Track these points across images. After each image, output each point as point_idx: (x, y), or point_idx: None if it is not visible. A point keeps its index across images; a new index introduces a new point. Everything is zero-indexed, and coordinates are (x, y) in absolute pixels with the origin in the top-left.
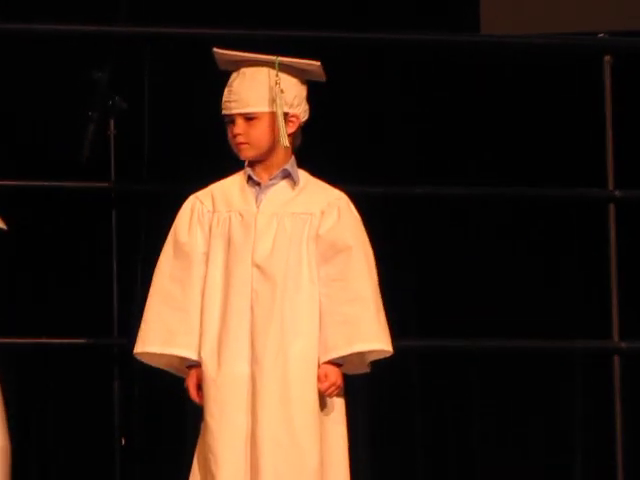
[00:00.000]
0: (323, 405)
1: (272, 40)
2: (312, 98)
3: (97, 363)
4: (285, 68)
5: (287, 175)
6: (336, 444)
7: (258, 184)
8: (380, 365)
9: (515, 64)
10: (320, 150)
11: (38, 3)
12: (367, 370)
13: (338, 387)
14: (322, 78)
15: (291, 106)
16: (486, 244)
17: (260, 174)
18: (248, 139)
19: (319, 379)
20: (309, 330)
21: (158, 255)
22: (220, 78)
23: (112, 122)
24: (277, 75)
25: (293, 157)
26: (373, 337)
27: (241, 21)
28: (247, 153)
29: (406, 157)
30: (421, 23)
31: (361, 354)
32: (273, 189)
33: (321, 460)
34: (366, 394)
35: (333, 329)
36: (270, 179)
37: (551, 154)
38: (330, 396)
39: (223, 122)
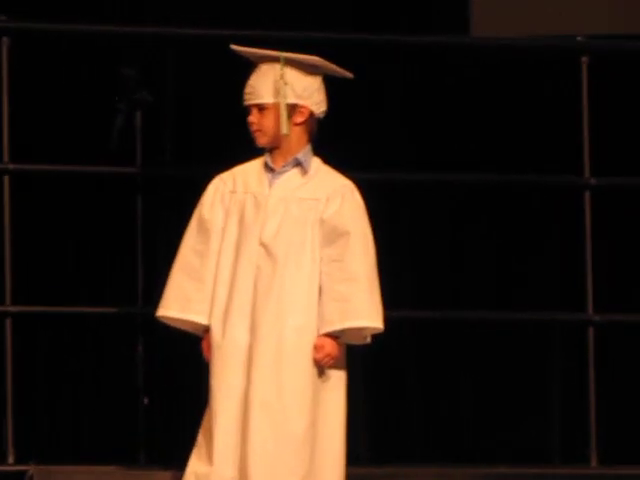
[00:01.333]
0: (321, 373)
1: (282, 40)
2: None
3: (123, 330)
4: (292, 63)
5: (298, 163)
6: (333, 409)
7: (272, 170)
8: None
9: (502, 63)
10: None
11: (77, 5)
12: (367, 341)
13: (333, 357)
14: (342, 75)
15: (299, 97)
16: (474, 226)
17: (276, 161)
18: (260, 127)
19: (315, 349)
20: (307, 304)
21: (177, 235)
22: (236, 74)
23: (139, 114)
24: (281, 69)
25: (308, 146)
26: (365, 315)
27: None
28: (260, 140)
29: (405, 149)
30: (412, 24)
31: (356, 328)
32: (285, 175)
33: (309, 425)
34: (364, 359)
35: (329, 305)
36: (283, 166)
37: (533, 145)
38: (325, 365)
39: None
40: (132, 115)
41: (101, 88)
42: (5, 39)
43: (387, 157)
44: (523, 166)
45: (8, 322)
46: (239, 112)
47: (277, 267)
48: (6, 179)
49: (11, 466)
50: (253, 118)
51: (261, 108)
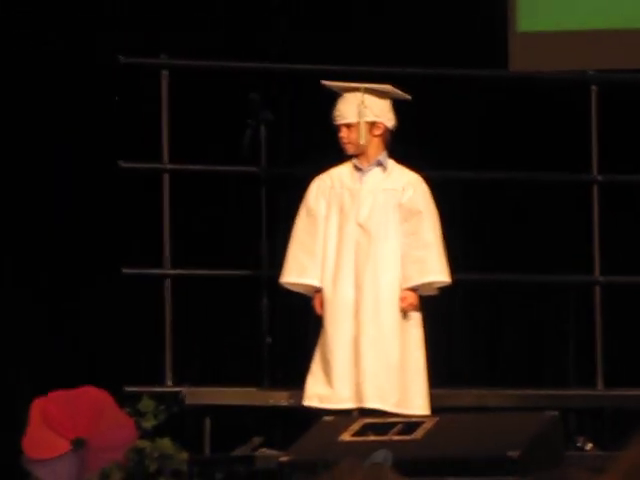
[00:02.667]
0: (406, 317)
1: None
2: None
3: (249, 287)
4: (369, 91)
5: (380, 164)
6: (415, 343)
7: (360, 170)
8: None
9: (532, 91)
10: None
11: (220, 45)
12: (436, 292)
13: (414, 305)
14: (404, 98)
15: (377, 116)
16: (503, 215)
17: (362, 163)
18: (349, 140)
19: (401, 300)
20: (394, 267)
21: (292, 219)
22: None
23: (263, 128)
24: (362, 96)
25: (385, 151)
26: (437, 272)
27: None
28: (349, 149)
29: (452, 150)
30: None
31: (429, 283)
32: (370, 173)
33: (402, 353)
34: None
35: (409, 266)
36: (368, 166)
37: (553, 149)
38: (408, 311)
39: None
40: (258, 129)
41: (234, 109)
42: (165, 72)
43: (437, 158)
44: (546, 167)
45: (168, 282)
46: (334, 129)
47: (371, 240)
48: (166, 176)
49: (169, 387)
50: (343, 134)
51: (348, 126)
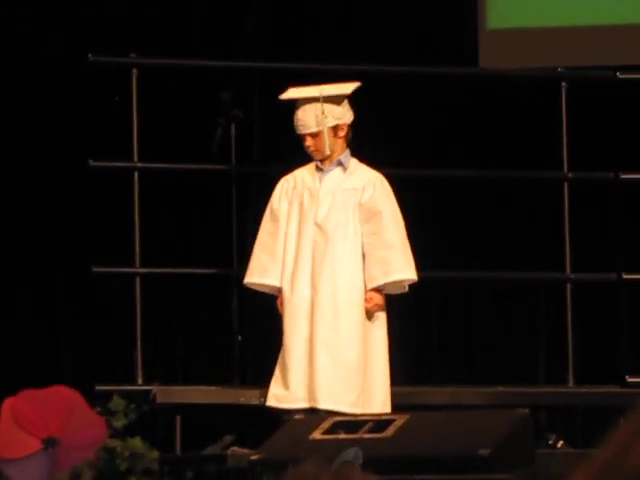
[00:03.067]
0: (369, 317)
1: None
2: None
3: (220, 285)
4: (328, 98)
5: (340, 163)
6: (378, 343)
7: (321, 170)
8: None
9: (503, 88)
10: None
11: (189, 43)
12: (405, 290)
13: (380, 306)
14: (355, 87)
15: (339, 119)
16: (475, 213)
17: (324, 163)
18: (316, 147)
19: (366, 301)
20: (353, 267)
21: (260, 216)
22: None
23: (233, 126)
24: (322, 105)
25: (348, 150)
26: (401, 270)
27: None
28: (317, 156)
29: (421, 148)
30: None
31: (395, 282)
32: (331, 173)
33: (361, 355)
34: (398, 308)
35: (373, 267)
36: (329, 166)
37: (523, 146)
38: (374, 311)
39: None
40: (228, 127)
41: (205, 107)
42: (135, 71)
43: (406, 156)
44: (515, 163)
45: (138, 280)
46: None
47: (328, 240)
48: (136, 174)
49: (139, 386)
50: (309, 142)
51: (312, 135)
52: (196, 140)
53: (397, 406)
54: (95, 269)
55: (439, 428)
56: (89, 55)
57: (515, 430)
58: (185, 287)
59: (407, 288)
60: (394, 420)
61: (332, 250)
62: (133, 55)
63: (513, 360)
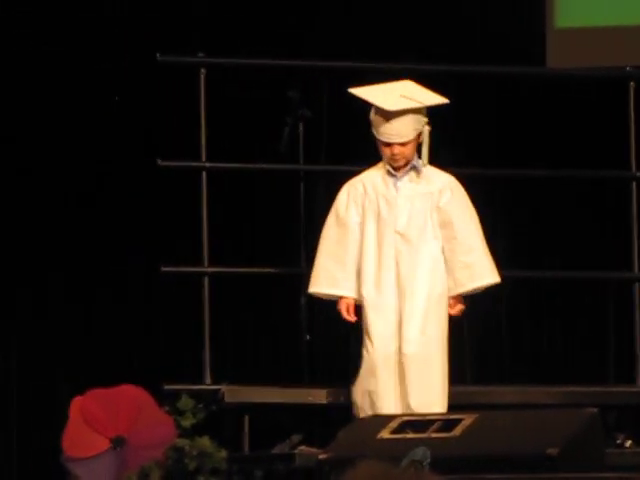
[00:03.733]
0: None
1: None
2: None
3: (288, 285)
4: (417, 110)
5: (413, 167)
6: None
7: (394, 175)
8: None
9: (572, 86)
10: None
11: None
12: (481, 291)
13: (462, 311)
14: (443, 103)
15: (421, 128)
16: (546, 212)
17: (399, 169)
18: (404, 156)
19: (450, 307)
20: (434, 271)
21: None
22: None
23: (301, 125)
24: (415, 116)
25: (416, 153)
26: (487, 275)
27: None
28: (400, 163)
29: (487, 148)
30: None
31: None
32: (405, 178)
33: (445, 362)
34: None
35: (458, 272)
36: (403, 172)
37: (591, 145)
38: (456, 316)
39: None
40: (296, 127)
41: (273, 106)
42: (203, 70)
43: (472, 156)
44: (580, 162)
45: (206, 279)
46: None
47: (412, 247)
48: (204, 174)
49: (207, 385)
50: (397, 151)
51: (403, 144)
52: (264, 139)
53: (465, 405)
54: (164, 268)
55: (507, 427)
56: (157, 55)
57: (584, 429)
58: (253, 286)
59: (483, 290)
60: (462, 419)
61: (416, 257)
62: (201, 54)
63: (582, 359)
